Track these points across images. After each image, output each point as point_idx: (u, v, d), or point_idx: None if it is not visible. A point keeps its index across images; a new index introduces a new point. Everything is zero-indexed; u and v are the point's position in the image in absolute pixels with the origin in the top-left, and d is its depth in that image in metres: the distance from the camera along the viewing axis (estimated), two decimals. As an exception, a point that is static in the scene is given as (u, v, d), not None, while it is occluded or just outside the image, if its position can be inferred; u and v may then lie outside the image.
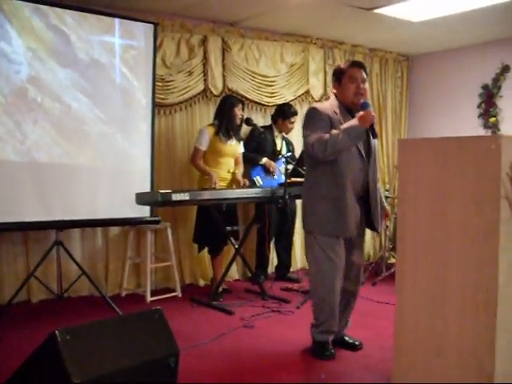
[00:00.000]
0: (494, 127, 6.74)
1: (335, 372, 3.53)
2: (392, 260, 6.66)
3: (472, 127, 6.83)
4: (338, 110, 3.70)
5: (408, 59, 7.70)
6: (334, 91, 3.82)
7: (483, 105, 6.85)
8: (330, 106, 3.76)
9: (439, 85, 7.33)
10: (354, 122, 3.51)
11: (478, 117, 6.91)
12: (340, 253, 3.72)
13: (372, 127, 3.59)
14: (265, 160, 5.78)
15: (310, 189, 3.80)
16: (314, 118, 3.68)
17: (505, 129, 6.63)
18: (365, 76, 3.74)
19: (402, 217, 3.10)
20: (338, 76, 3.77)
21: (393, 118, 7.57)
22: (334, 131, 3.53)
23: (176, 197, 4.48)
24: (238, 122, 5.40)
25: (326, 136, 3.52)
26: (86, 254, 5.33)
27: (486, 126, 6.84)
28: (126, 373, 2.56)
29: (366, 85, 3.76)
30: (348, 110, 3.73)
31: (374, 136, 3.66)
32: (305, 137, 3.70)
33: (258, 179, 5.73)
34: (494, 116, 6.74)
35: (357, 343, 3.96)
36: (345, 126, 3.52)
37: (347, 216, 3.65)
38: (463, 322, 2.77)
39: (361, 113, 3.50)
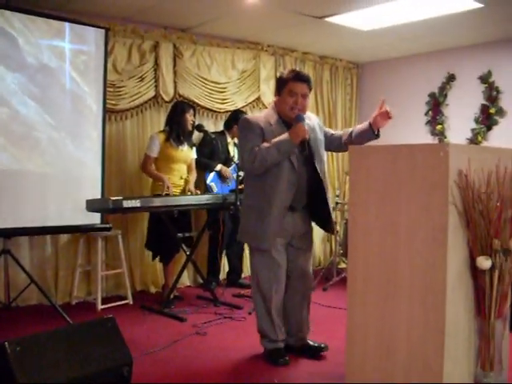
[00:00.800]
0: (441, 134, 6.92)
1: (288, 377, 3.56)
2: (342, 265, 6.76)
3: (420, 134, 7.01)
4: (273, 121, 3.66)
5: (358, 67, 7.85)
6: (274, 100, 3.79)
7: (430, 112, 7.03)
8: (264, 116, 3.72)
9: (388, 92, 7.43)
10: (285, 136, 3.50)
11: (426, 124, 7.10)
12: (278, 260, 3.72)
13: (303, 143, 3.54)
14: (220, 167, 5.79)
15: (244, 199, 3.88)
16: (245, 129, 3.66)
17: (451, 136, 6.82)
18: (307, 91, 3.66)
19: (353, 222, 3.16)
20: (279, 87, 3.71)
21: (343, 125, 7.66)
22: (265, 144, 3.51)
23: (127, 204, 4.45)
24: (190, 127, 5.38)
25: (256, 149, 3.50)
26: (34, 262, 5.22)
27: (433, 133, 7.02)
28: (80, 382, 2.53)
29: (307, 100, 3.69)
30: (284, 122, 3.67)
31: (304, 152, 3.60)
32: (239, 147, 3.73)
33: (213, 186, 5.74)
34: (441, 124, 6.93)
35: (322, 346, 3.94)
36: (276, 140, 3.50)
37: (268, 227, 3.62)
38: (412, 324, 2.85)
39: (294, 128, 3.51)
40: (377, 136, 3.77)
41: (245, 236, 3.82)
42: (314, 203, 3.81)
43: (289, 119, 3.64)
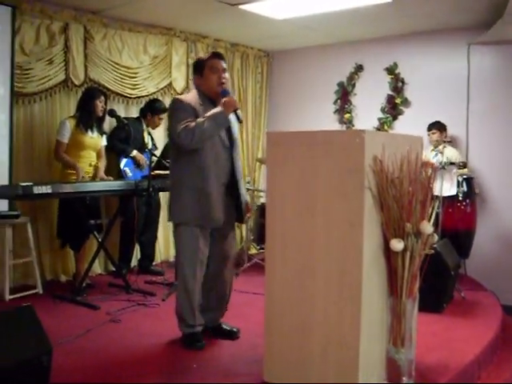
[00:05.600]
0: (349, 123, 7.15)
1: (206, 361, 3.59)
2: (253, 251, 6.85)
3: (328, 122, 7.20)
4: (201, 101, 3.76)
5: (268, 55, 7.93)
6: (197, 83, 3.90)
7: (339, 101, 7.23)
8: (193, 97, 3.81)
9: (298, 81, 7.63)
10: (218, 109, 3.62)
11: (334, 112, 7.30)
12: (203, 245, 3.77)
13: (236, 113, 3.71)
14: (135, 153, 5.74)
15: (175, 180, 3.83)
16: (178, 109, 3.71)
17: (358, 124, 7.06)
18: (225, 66, 3.83)
19: (270, 207, 3.22)
20: (199, 68, 3.86)
21: (253, 113, 7.75)
22: (200, 119, 3.60)
23: (38, 190, 4.32)
24: (99, 114, 5.28)
25: (192, 124, 3.57)
26: None
27: (341, 121, 7.24)
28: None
29: (227, 75, 3.85)
30: (211, 100, 3.79)
31: (240, 120, 3.80)
32: (170, 127, 3.74)
33: (127, 171, 5.67)
34: (349, 112, 7.15)
35: (235, 329, 4.03)
36: (209, 113, 3.61)
37: (211, 205, 3.71)
38: (329, 305, 2.96)
39: (224, 99, 3.62)
40: None
41: (179, 216, 3.79)
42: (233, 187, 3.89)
43: (215, 96, 3.77)
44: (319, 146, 2.99)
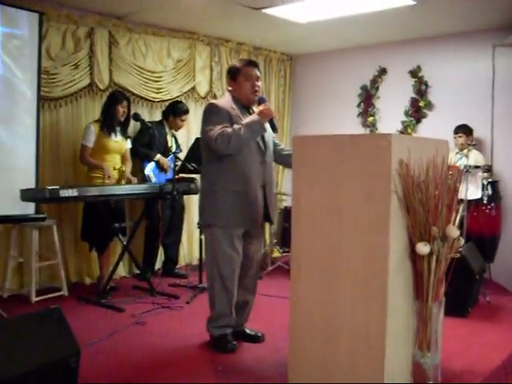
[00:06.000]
0: (372, 126, 7.12)
1: (231, 364, 3.60)
2: (276, 254, 6.85)
3: (351, 126, 7.19)
4: (234, 106, 3.80)
5: (291, 59, 7.94)
6: (230, 89, 3.91)
7: (362, 104, 7.21)
8: (226, 102, 3.84)
9: (321, 84, 7.62)
10: (254, 116, 3.66)
11: (357, 116, 7.28)
12: (238, 247, 3.80)
13: (271, 121, 3.74)
14: (159, 157, 5.78)
15: (211, 183, 3.83)
16: (213, 113, 3.74)
17: (382, 128, 7.04)
18: (259, 74, 3.88)
19: (296, 210, 3.22)
20: (234, 74, 3.87)
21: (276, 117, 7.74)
22: (236, 126, 3.63)
23: (64, 193, 4.39)
24: (121, 119, 5.31)
25: (229, 130, 3.60)
26: (-36, 255, 5.04)
27: (364, 124, 7.21)
28: (25, 377, 2.47)
29: (260, 82, 3.89)
30: (244, 106, 3.84)
31: (275, 130, 3.84)
32: (205, 132, 3.73)
33: (152, 176, 5.71)
34: (372, 115, 7.12)
35: (259, 334, 4.05)
36: (246, 120, 3.65)
37: (253, 208, 3.77)
38: (355, 309, 2.95)
39: (260, 107, 3.67)
40: None
41: (214, 218, 3.79)
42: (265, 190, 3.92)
43: (248, 103, 3.84)
44: (346, 150, 2.98)
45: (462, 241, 3.28)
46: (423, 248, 2.91)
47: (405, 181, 2.90)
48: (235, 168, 3.73)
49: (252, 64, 3.90)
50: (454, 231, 2.97)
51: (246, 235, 3.87)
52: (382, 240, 2.84)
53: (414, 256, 3.00)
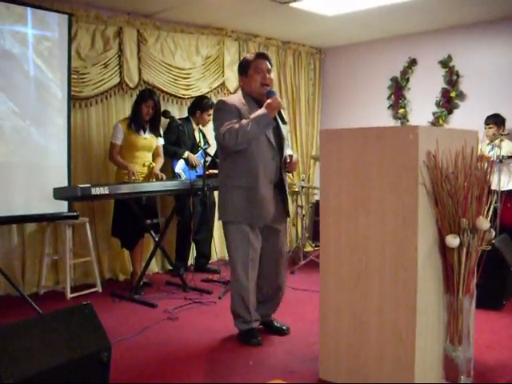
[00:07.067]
0: (403, 118, 7.05)
1: (263, 358, 3.61)
2: (309, 248, 6.84)
3: (382, 118, 7.14)
4: (245, 102, 3.79)
5: (320, 52, 7.91)
6: (241, 83, 3.93)
7: (393, 96, 7.15)
8: (237, 98, 3.85)
9: (351, 77, 7.57)
10: (261, 110, 3.63)
11: (388, 108, 7.22)
12: (255, 243, 3.81)
13: (280, 114, 3.72)
14: (187, 154, 5.80)
15: (224, 179, 3.88)
16: (222, 110, 3.76)
17: (413, 119, 6.97)
18: (270, 66, 3.84)
19: (324, 204, 3.22)
20: (244, 68, 3.87)
21: (306, 110, 7.74)
22: (244, 121, 3.62)
23: (95, 191, 4.44)
24: (146, 117, 5.32)
25: (236, 126, 3.60)
26: (1, 252, 5.13)
27: (395, 116, 7.15)
28: (59, 370, 2.53)
29: (272, 75, 3.86)
30: (256, 101, 3.80)
31: (283, 121, 3.81)
32: (215, 129, 3.77)
33: (182, 173, 5.74)
34: (403, 107, 7.05)
35: (284, 328, 4.08)
36: (253, 115, 3.63)
37: (261, 204, 3.74)
38: (385, 302, 2.94)
39: (268, 101, 3.63)
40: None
41: (229, 215, 3.82)
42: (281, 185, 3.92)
43: (259, 97, 3.78)
44: (373, 143, 2.97)
45: (493, 233, 3.22)
46: (453, 240, 2.88)
47: (433, 173, 2.87)
48: (244, 164, 3.73)
49: (262, 56, 3.86)
50: (484, 223, 2.93)
51: (266, 230, 3.88)
52: (411, 233, 2.83)
53: (444, 249, 2.97)
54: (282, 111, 3.74)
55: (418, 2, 5.41)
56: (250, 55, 3.91)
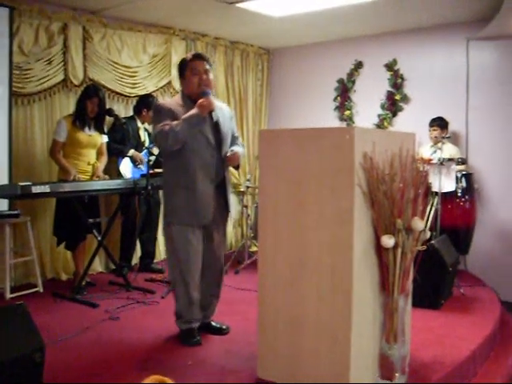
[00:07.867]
0: (349, 120, 7.15)
1: (202, 358, 3.61)
2: (254, 248, 6.86)
3: (329, 119, 7.21)
4: (183, 103, 3.80)
5: (269, 52, 7.95)
6: (181, 85, 3.94)
7: (339, 98, 7.24)
8: (175, 101, 3.87)
9: (298, 78, 7.63)
10: (193, 111, 3.64)
11: (334, 110, 7.30)
12: (195, 243, 3.80)
13: (211, 114, 3.73)
14: (132, 152, 5.74)
15: (166, 180, 3.90)
16: (156, 113, 3.80)
17: (359, 121, 7.07)
18: (207, 67, 3.82)
19: (262, 204, 3.25)
20: (181, 70, 3.87)
21: (253, 110, 7.77)
22: (175, 122, 3.63)
23: (36, 189, 4.36)
24: (90, 115, 5.23)
25: (167, 127, 3.61)
26: None
27: (341, 118, 7.24)
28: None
29: (211, 75, 3.85)
30: (195, 101, 3.75)
31: (217, 128, 3.81)
32: (153, 131, 3.80)
33: (126, 173, 5.68)
34: (349, 109, 7.14)
35: (224, 327, 4.10)
36: (185, 115, 3.64)
37: (199, 203, 3.74)
38: (321, 301, 2.98)
39: (200, 100, 3.64)
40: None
41: (170, 215, 3.82)
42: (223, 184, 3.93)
43: (198, 98, 3.73)
44: (310, 143, 3.01)
45: (429, 233, 3.31)
46: (388, 241, 2.94)
47: (369, 174, 2.92)
48: (182, 164, 3.73)
49: (198, 57, 3.84)
50: (418, 224, 3.00)
51: (206, 231, 3.88)
52: (346, 233, 2.87)
53: (380, 249, 3.02)
54: (212, 112, 3.73)
55: (363, 6, 5.49)
56: (187, 56, 3.91)
